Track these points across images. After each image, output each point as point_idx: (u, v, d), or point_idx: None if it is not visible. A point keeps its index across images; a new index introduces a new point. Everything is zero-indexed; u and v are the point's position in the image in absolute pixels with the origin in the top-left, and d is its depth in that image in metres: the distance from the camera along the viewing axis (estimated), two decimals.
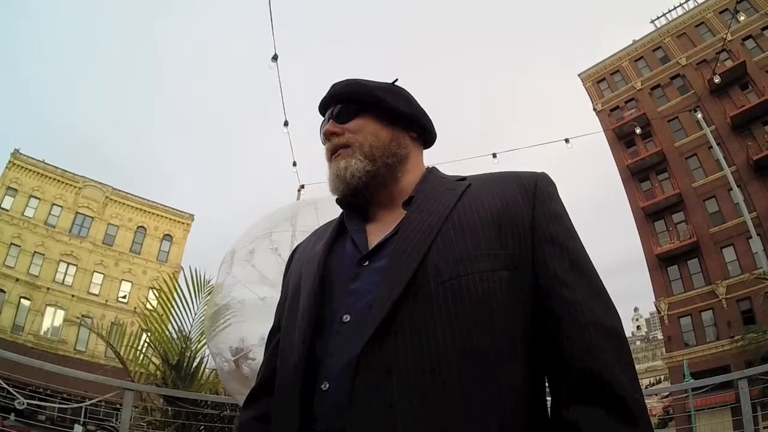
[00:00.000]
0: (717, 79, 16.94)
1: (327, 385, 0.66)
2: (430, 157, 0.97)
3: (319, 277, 0.77)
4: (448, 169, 0.95)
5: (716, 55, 21.83)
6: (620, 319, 0.70)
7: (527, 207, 0.75)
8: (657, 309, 24.93)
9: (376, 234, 0.80)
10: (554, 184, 0.81)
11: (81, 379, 3.45)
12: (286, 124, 8.00)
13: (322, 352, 0.70)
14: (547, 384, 0.70)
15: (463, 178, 0.84)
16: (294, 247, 1.00)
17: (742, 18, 15.01)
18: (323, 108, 0.93)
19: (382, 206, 0.86)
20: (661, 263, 24.68)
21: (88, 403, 3.96)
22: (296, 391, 0.68)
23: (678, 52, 27.03)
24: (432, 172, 0.89)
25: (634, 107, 27.81)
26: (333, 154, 0.87)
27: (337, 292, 0.75)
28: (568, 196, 0.83)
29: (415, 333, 0.64)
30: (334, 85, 0.92)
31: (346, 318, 0.70)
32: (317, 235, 0.92)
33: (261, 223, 2.37)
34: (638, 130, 17.74)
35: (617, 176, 27.81)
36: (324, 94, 0.93)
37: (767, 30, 24.68)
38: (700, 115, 10.12)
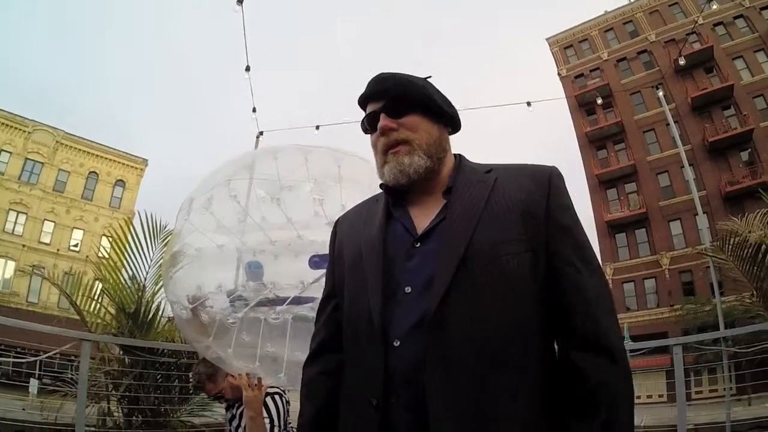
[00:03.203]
0: (682, 62, 17.32)
1: (398, 342, 0.85)
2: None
3: (383, 257, 0.92)
4: None
5: (685, 36, 22.22)
6: (609, 287, 0.94)
7: (543, 199, 0.92)
8: None
9: (420, 218, 0.96)
10: (563, 177, 0.98)
11: (36, 332, 3.34)
12: (247, 69, 7.80)
13: (389, 316, 0.87)
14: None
15: (489, 169, 0.99)
16: (335, 221, 1.16)
17: (714, 7, 15.31)
18: (368, 100, 1.02)
19: (422, 193, 0.99)
20: (610, 230, 25.74)
21: (45, 356, 3.87)
22: (380, 348, 0.86)
23: (648, 28, 27.37)
24: (462, 161, 1.03)
25: (599, 77, 28.14)
26: (391, 148, 0.97)
27: (396, 268, 0.91)
28: (525, 154, 0.89)
29: (465, 300, 0.84)
30: (380, 80, 1.00)
31: (408, 290, 0.88)
32: (364, 214, 1.06)
33: (220, 171, 2.33)
34: (599, 101, 18.05)
35: (575, 142, 28.31)
36: (366, 87, 1.02)
37: (739, 19, 25.21)
38: (661, 93, 10.41)
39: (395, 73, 1.01)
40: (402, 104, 0.98)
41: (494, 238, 0.87)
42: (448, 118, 1.03)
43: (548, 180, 0.94)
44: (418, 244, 0.92)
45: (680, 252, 23.32)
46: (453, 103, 1.06)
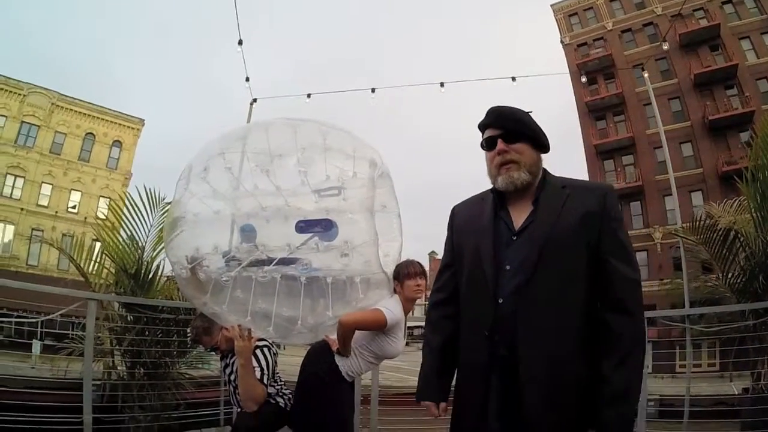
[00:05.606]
0: (665, 46, 16.82)
1: (501, 300, 1.37)
2: (388, 80, 1.22)
3: (492, 244, 1.42)
4: (399, 94, 1.42)
5: (692, 12, 21.68)
6: (639, 272, 1.39)
7: (600, 210, 1.37)
8: None
9: (516, 218, 1.44)
10: (615, 195, 1.45)
11: (37, 293, 3.48)
12: (240, 43, 8.35)
13: (497, 283, 1.38)
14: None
15: (564, 185, 1.45)
16: (452, 208, 1.66)
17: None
18: (487, 126, 1.47)
19: (518, 198, 1.46)
20: None
21: (54, 315, 4.02)
22: (491, 303, 1.38)
23: (655, 1, 26.70)
24: (546, 177, 1.48)
25: (602, 47, 27.53)
26: (504, 165, 1.44)
27: (501, 252, 1.41)
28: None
29: (544, 275, 1.32)
30: (499, 113, 1.47)
31: (508, 267, 1.38)
32: (476, 208, 1.55)
33: (216, 142, 2.46)
34: (584, 79, 17.56)
35: (574, 110, 27.82)
36: (485, 115, 1.49)
37: None
38: (646, 74, 10.33)
39: (510, 109, 1.47)
40: (515, 134, 1.43)
41: (564, 236, 1.34)
42: (543, 146, 1.49)
43: (605, 196, 1.40)
44: (515, 237, 1.41)
45: (673, 227, 23.36)
46: (546, 133, 1.53)
